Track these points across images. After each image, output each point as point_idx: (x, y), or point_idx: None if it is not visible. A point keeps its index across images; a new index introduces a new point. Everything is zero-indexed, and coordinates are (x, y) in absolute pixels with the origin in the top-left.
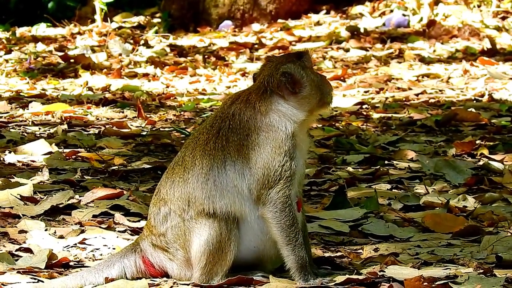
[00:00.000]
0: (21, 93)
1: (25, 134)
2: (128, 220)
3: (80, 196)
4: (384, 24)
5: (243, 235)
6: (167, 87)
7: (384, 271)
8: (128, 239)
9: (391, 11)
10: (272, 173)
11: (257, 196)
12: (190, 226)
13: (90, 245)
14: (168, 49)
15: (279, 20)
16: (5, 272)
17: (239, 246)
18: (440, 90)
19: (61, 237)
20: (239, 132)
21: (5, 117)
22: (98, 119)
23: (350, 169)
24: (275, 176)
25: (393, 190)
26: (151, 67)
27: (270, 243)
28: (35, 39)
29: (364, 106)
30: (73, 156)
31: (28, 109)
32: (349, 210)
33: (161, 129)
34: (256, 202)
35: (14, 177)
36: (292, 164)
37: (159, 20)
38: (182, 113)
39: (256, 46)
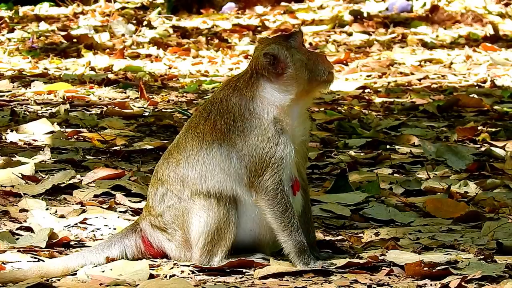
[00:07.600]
0: (23, 72)
1: (27, 113)
2: (129, 200)
3: (81, 176)
4: (387, 9)
5: (238, 217)
6: (170, 68)
7: (385, 256)
8: (129, 220)
9: None
10: (257, 160)
11: (248, 184)
12: (187, 206)
13: (91, 225)
14: (171, 30)
15: (282, 3)
16: (5, 251)
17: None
18: (442, 76)
19: (62, 216)
20: (226, 117)
21: (7, 96)
22: (100, 99)
23: (352, 153)
24: (261, 163)
25: (395, 174)
26: (154, 48)
27: (266, 227)
28: (38, 18)
29: (366, 90)
30: (75, 136)
31: (30, 88)
32: (351, 194)
33: (163, 110)
34: (249, 189)
35: (16, 156)
36: (278, 150)
37: (162, 1)
38: (184, 94)
39: (259, 28)
